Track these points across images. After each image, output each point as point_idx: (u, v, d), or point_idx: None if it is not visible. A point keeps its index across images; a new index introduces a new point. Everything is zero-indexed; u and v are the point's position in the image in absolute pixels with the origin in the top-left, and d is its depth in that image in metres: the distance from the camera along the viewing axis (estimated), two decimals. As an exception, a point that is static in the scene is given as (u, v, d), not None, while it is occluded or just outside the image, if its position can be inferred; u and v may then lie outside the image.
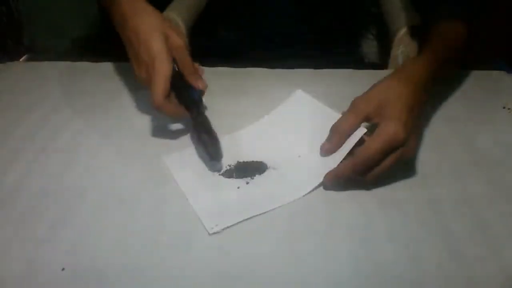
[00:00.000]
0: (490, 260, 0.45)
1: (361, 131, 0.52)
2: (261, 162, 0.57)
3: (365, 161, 0.50)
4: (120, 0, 0.59)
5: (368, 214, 0.50)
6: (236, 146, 0.59)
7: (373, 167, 0.50)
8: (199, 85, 0.58)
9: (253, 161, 0.57)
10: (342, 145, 0.52)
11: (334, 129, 0.53)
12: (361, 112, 0.52)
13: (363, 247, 0.46)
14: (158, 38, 0.55)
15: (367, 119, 0.52)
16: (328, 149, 0.53)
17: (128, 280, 0.43)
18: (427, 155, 0.54)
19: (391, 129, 0.49)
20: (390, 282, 0.43)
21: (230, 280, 0.43)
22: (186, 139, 0.61)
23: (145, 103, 0.68)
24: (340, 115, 0.56)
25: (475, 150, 0.59)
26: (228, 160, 0.57)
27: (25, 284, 0.43)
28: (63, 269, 0.44)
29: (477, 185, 0.54)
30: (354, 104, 0.53)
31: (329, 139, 0.53)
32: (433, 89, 0.56)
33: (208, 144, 0.54)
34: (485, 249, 0.46)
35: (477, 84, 0.73)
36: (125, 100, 0.69)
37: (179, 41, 0.57)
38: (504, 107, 0.68)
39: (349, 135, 0.52)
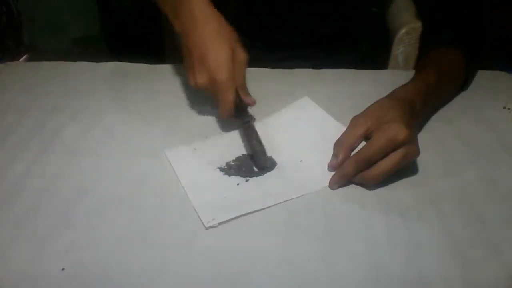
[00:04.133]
0: (490, 260, 0.45)
1: (362, 144, 0.54)
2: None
3: (368, 156, 0.51)
4: (191, 2, 0.60)
5: (368, 214, 0.50)
6: (237, 143, 0.60)
7: (375, 161, 0.51)
8: (248, 100, 0.61)
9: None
10: (347, 159, 0.53)
11: (338, 145, 0.54)
12: (362, 127, 0.53)
13: (363, 247, 0.46)
14: (228, 50, 0.58)
15: (368, 132, 0.53)
16: (336, 165, 0.54)
17: (128, 279, 0.43)
18: (427, 155, 0.54)
19: (393, 127, 0.50)
20: (390, 282, 0.43)
21: (230, 280, 0.43)
22: (187, 138, 0.61)
23: (145, 103, 0.68)
24: (343, 126, 0.58)
25: (475, 150, 0.59)
26: (228, 156, 0.57)
27: (25, 284, 0.43)
28: (63, 269, 0.44)
29: (477, 184, 0.54)
30: (353, 121, 0.55)
31: (335, 155, 0.54)
32: (423, 110, 0.59)
33: (258, 154, 0.56)
34: (485, 249, 0.46)
35: (477, 84, 0.73)
36: (125, 99, 0.69)
37: (242, 55, 0.60)
38: (504, 107, 0.68)
39: (353, 150, 0.54)
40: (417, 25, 0.80)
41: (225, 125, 0.63)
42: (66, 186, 0.54)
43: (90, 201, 0.52)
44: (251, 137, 0.58)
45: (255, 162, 0.56)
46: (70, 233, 0.48)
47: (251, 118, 0.61)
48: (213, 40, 0.58)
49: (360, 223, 0.49)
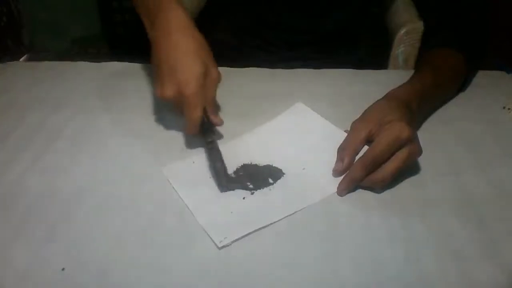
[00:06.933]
0: (490, 260, 0.45)
1: (365, 148, 0.54)
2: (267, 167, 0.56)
3: (375, 158, 0.50)
4: (167, 10, 0.58)
5: (368, 214, 0.50)
6: (235, 154, 0.58)
7: (382, 162, 0.51)
8: (217, 121, 0.60)
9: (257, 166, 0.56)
10: (353, 164, 0.53)
11: (342, 150, 0.54)
12: (363, 130, 0.53)
13: (363, 247, 0.46)
14: (200, 65, 0.55)
15: (369, 135, 0.53)
16: (341, 170, 0.53)
17: (128, 280, 0.43)
18: (427, 155, 0.54)
19: (396, 126, 0.50)
20: (390, 282, 0.43)
21: (230, 281, 0.43)
22: (187, 138, 0.61)
23: (145, 103, 0.68)
24: (341, 130, 0.58)
25: (475, 150, 0.59)
26: (229, 169, 0.56)
27: (25, 284, 0.43)
28: (63, 269, 0.44)
29: (477, 185, 0.54)
30: (354, 126, 0.55)
31: (340, 160, 0.54)
32: (420, 110, 0.59)
33: (220, 175, 0.54)
34: (485, 249, 0.46)
35: (477, 84, 0.73)
36: (126, 100, 0.69)
37: (215, 73, 0.58)
38: (504, 107, 0.68)
39: (357, 154, 0.53)
40: (417, 25, 0.80)
41: (224, 130, 0.62)
42: (66, 186, 0.53)
43: (90, 201, 0.52)
44: (214, 158, 0.56)
45: (216, 181, 0.54)
46: (70, 233, 0.48)
47: (215, 138, 0.59)
48: (185, 54, 0.56)
49: (360, 223, 0.49)
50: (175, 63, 0.55)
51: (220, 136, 0.61)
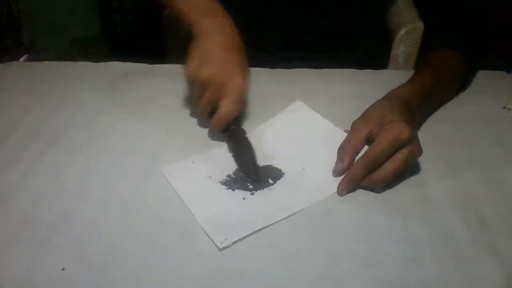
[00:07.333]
0: (490, 260, 0.45)
1: (365, 148, 0.54)
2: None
3: (375, 157, 0.50)
4: (215, 17, 0.61)
5: (368, 214, 0.50)
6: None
7: (383, 162, 0.50)
8: None
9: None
10: (353, 164, 0.53)
11: (342, 150, 0.54)
12: (364, 130, 0.53)
13: (363, 247, 0.46)
14: (244, 65, 0.59)
15: (370, 135, 0.53)
16: (341, 170, 0.53)
17: (128, 280, 0.43)
18: (427, 155, 0.54)
19: (396, 127, 0.51)
20: (390, 282, 0.43)
21: (229, 281, 0.43)
22: (187, 138, 0.61)
23: (145, 103, 0.68)
24: (340, 129, 0.58)
25: (475, 150, 0.59)
26: (228, 169, 0.56)
27: (25, 284, 0.43)
28: (63, 269, 0.44)
29: (477, 185, 0.54)
30: (354, 125, 0.55)
31: (340, 160, 0.54)
32: (420, 111, 0.59)
33: (251, 165, 0.55)
34: (485, 249, 0.46)
35: (477, 84, 0.73)
36: (125, 99, 0.69)
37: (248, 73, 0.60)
38: (504, 107, 0.68)
39: (357, 154, 0.53)
40: (417, 25, 0.80)
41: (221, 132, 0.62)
42: (66, 186, 0.53)
43: (90, 201, 0.52)
44: (243, 148, 0.56)
45: (247, 175, 0.55)
46: (70, 232, 0.48)
47: (239, 127, 0.59)
48: (232, 50, 0.59)
49: (360, 223, 0.49)
50: (221, 56, 0.58)
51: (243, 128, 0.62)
